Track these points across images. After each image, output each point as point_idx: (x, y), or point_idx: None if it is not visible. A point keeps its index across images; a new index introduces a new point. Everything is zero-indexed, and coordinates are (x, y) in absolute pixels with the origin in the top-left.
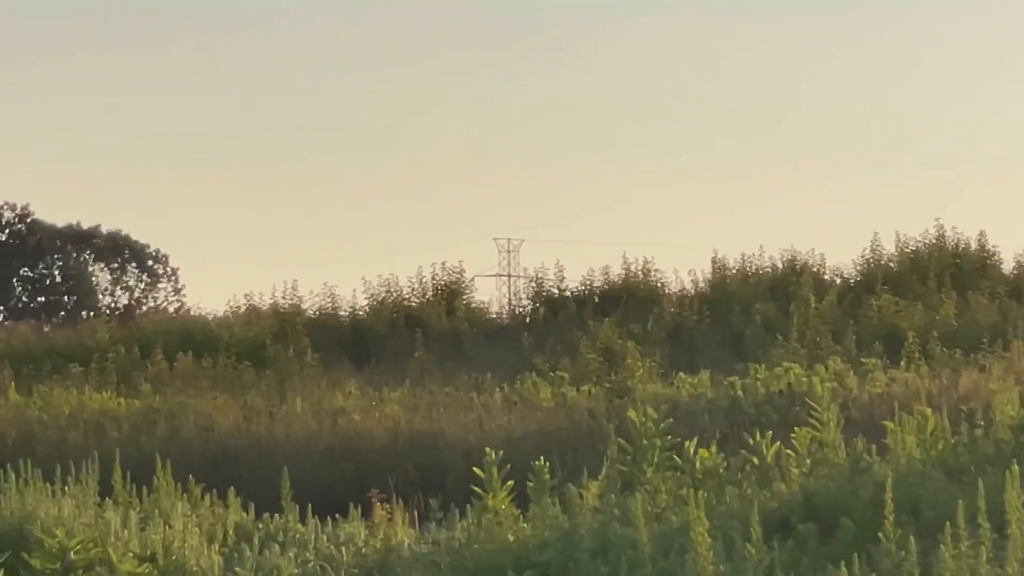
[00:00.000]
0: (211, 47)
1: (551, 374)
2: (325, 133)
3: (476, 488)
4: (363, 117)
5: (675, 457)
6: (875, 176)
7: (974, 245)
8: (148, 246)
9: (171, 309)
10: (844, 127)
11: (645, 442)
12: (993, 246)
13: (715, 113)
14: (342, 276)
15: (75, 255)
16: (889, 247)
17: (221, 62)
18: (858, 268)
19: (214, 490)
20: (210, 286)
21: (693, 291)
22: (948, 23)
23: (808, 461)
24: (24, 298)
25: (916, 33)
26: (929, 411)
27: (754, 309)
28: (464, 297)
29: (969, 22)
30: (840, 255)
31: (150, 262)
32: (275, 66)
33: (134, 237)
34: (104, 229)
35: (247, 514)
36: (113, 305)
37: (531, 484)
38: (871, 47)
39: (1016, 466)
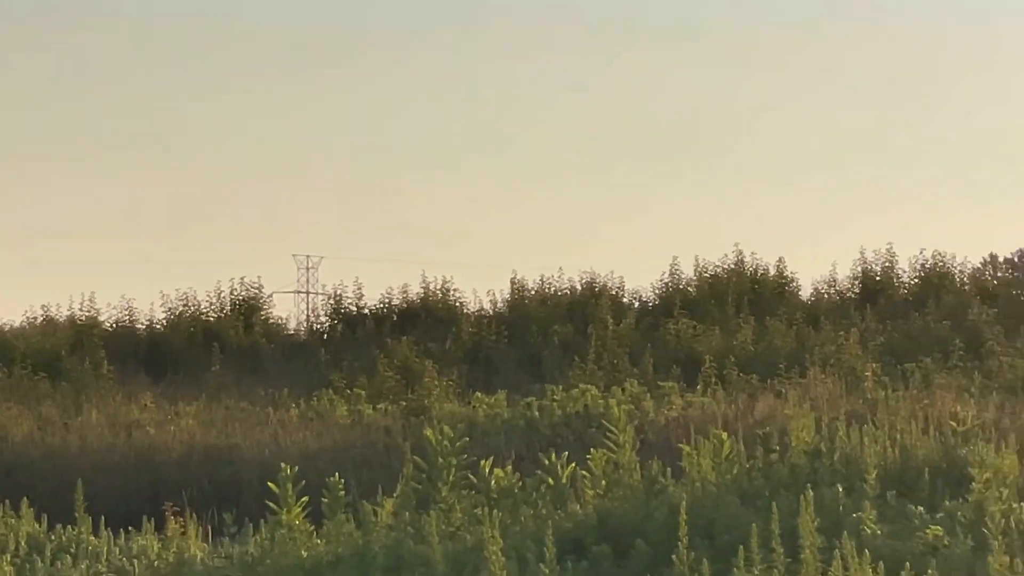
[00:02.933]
0: None
1: (348, 391)
2: (125, 145)
3: (270, 503)
4: (162, 131)
5: (471, 476)
6: (676, 200)
7: (772, 271)
8: None
9: None
10: (644, 149)
11: (441, 461)
12: (791, 272)
13: (513, 130)
14: (140, 290)
15: None
16: (688, 271)
17: None
18: (657, 292)
19: (6, 501)
20: (5, 296)
21: (492, 311)
22: (728, 43)
23: (603, 482)
24: None
25: (717, 51)
26: (725, 435)
27: (552, 330)
28: (262, 313)
29: (756, 54)
30: (639, 278)
31: None
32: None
33: None
34: None
35: (39, 525)
36: None
37: (326, 500)
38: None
39: (810, 491)
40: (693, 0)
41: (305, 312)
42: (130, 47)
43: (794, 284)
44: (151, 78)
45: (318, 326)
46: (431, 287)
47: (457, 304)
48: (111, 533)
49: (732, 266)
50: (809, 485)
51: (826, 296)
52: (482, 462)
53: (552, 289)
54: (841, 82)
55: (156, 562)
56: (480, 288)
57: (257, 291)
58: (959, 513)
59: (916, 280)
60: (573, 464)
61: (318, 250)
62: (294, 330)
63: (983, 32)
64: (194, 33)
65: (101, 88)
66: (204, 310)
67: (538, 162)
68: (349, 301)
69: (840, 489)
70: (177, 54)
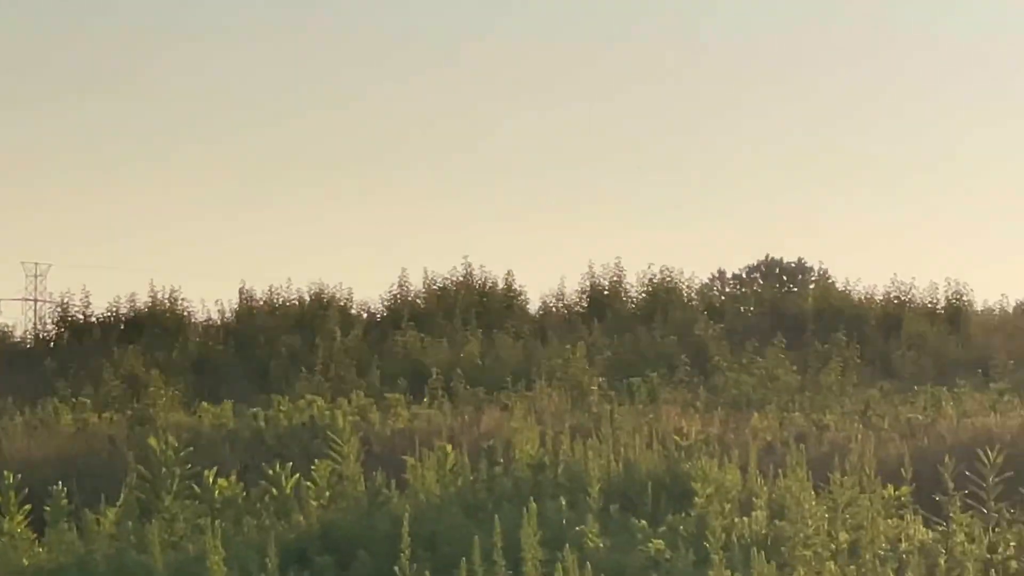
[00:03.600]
0: None
1: (73, 400)
2: None
3: None
4: None
5: (194, 486)
6: (405, 211)
7: (501, 284)
8: None
9: None
10: (372, 157)
11: (165, 470)
12: (520, 286)
13: (244, 138)
14: None
15: None
16: (417, 283)
17: None
18: (385, 303)
19: None
20: None
21: (220, 321)
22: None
23: (327, 493)
24: None
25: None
26: (449, 447)
27: (280, 341)
28: None
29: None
30: (368, 290)
31: None
32: None
33: None
34: None
35: None
36: None
37: (48, 509)
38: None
39: (533, 504)
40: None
41: (32, 319)
42: None
43: (522, 298)
44: None
45: (45, 334)
46: (159, 296)
47: (185, 313)
48: None
49: (461, 279)
50: (532, 498)
51: (554, 310)
52: (206, 472)
53: (280, 300)
54: (570, 93)
55: None
56: (208, 298)
57: None
58: (681, 527)
59: (644, 295)
60: (297, 475)
61: (47, 257)
62: (20, 338)
63: (732, 47)
64: None
65: None
66: None
67: (268, 172)
68: (76, 309)
69: (563, 502)
70: None
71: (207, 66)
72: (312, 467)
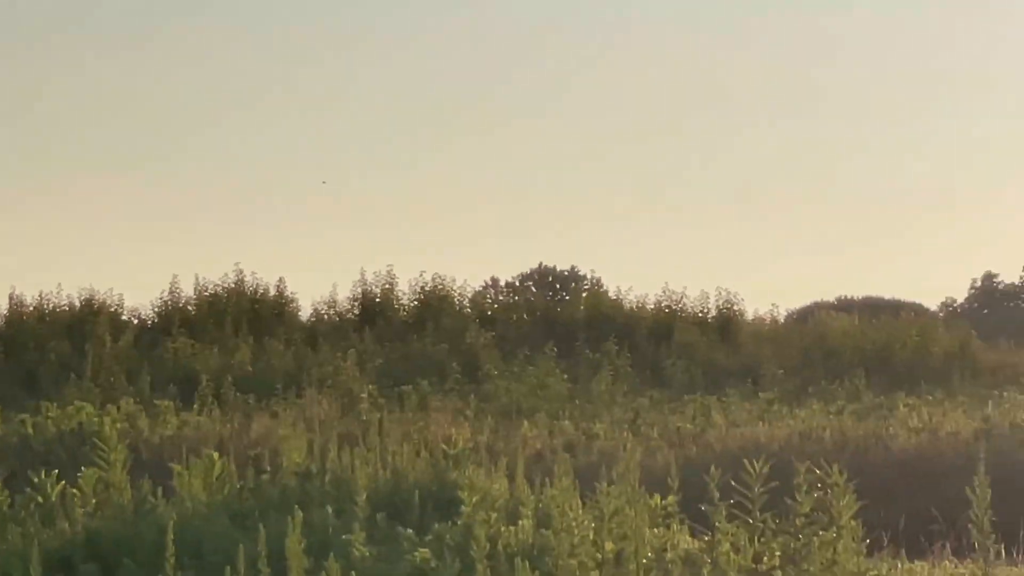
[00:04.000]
0: None
1: None
2: None
3: None
4: None
5: None
6: (178, 217)
7: (273, 291)
8: None
9: None
10: (151, 165)
11: None
12: (292, 293)
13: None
14: None
15: None
16: (188, 290)
17: None
18: (156, 310)
19: None
20: None
21: None
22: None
23: (93, 501)
24: None
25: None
26: (217, 455)
27: (50, 347)
28: None
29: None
30: (139, 296)
31: None
32: None
33: None
34: None
35: None
36: None
37: None
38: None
39: (299, 512)
40: None
41: None
42: None
43: (294, 305)
44: None
45: None
46: None
47: None
48: None
49: (232, 285)
50: (298, 506)
51: (326, 317)
52: None
53: (51, 305)
54: (344, 95)
55: None
56: None
57: None
58: (448, 536)
59: (415, 302)
60: (63, 482)
61: None
62: None
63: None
64: None
65: None
66: None
67: (37, 173)
68: None
69: (330, 511)
70: None
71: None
72: (79, 475)
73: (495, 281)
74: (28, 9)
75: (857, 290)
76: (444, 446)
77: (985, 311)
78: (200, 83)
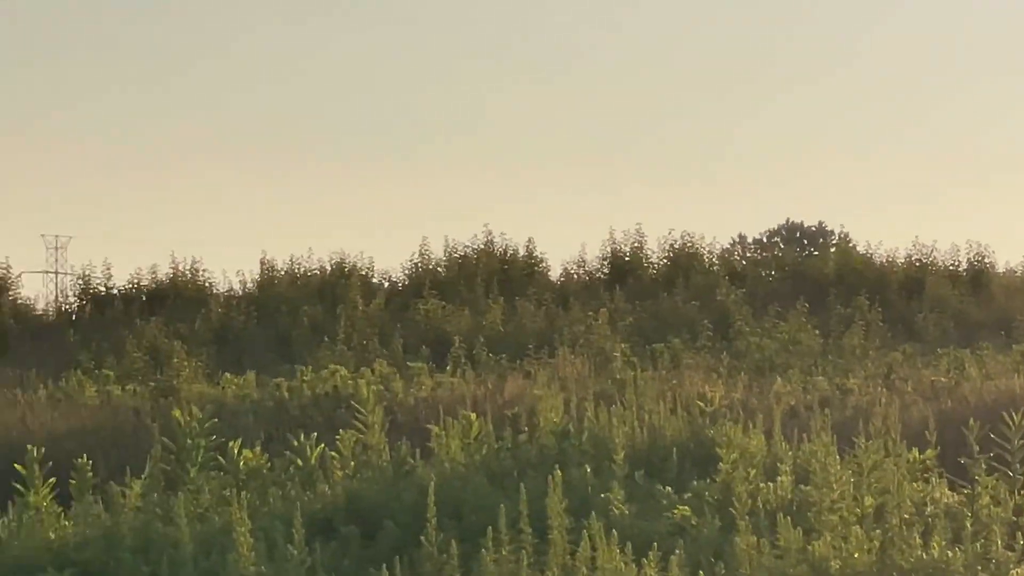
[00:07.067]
0: None
1: (96, 372)
2: None
3: (17, 485)
4: None
5: (219, 457)
6: (425, 180)
7: (522, 251)
8: None
9: None
10: (389, 127)
11: (189, 442)
12: (541, 253)
13: (258, 112)
14: None
15: None
16: (438, 252)
17: None
18: (406, 272)
19: None
20: None
21: (241, 292)
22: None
23: (352, 464)
24: None
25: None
26: (474, 416)
27: (302, 311)
28: (10, 293)
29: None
30: (389, 259)
31: None
32: None
33: None
34: None
35: None
36: None
37: (73, 482)
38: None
39: (559, 471)
40: None
41: (54, 292)
42: None
43: (543, 265)
44: None
45: (67, 307)
46: (180, 267)
47: (206, 284)
48: None
49: (482, 247)
50: (557, 466)
51: (575, 276)
52: (231, 443)
53: (302, 270)
54: (588, 61)
55: None
56: (230, 268)
57: (5, 271)
58: (706, 493)
59: (665, 260)
60: (322, 445)
61: (67, 229)
62: (42, 311)
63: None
64: None
65: None
66: None
67: (288, 142)
68: (98, 281)
69: (588, 469)
70: None
71: (230, 41)
72: (336, 437)
73: (743, 238)
74: None
75: None
76: (699, 403)
77: None
78: (464, 48)
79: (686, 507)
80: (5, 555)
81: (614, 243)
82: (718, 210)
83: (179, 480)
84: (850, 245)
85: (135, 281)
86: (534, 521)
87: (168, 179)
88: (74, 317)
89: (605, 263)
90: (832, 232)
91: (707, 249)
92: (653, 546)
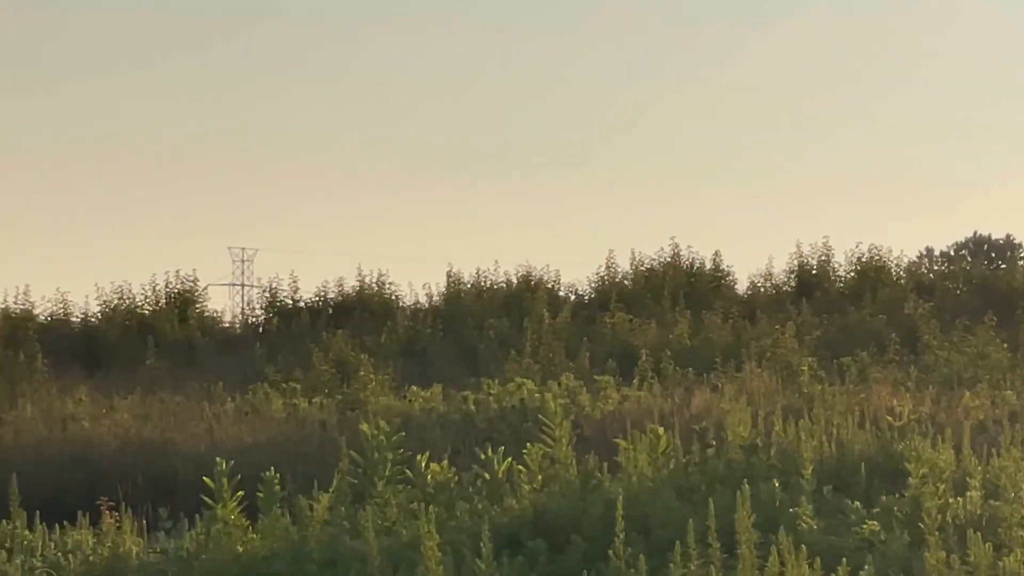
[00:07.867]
0: None
1: (283, 385)
2: (69, 141)
3: (206, 498)
4: (89, 118)
5: (406, 471)
6: (611, 192)
7: (709, 264)
8: None
9: None
10: (574, 140)
11: (376, 455)
12: (728, 266)
13: (439, 123)
14: (75, 282)
15: None
16: (624, 265)
17: None
18: (593, 285)
19: None
20: None
21: (427, 305)
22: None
23: (539, 477)
24: None
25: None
26: (661, 429)
27: (488, 324)
28: (197, 306)
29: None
30: (575, 272)
31: None
32: None
33: None
34: None
35: None
36: None
37: (261, 495)
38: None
39: (747, 486)
40: None
41: (240, 305)
42: None
43: (730, 278)
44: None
45: (253, 319)
46: (366, 280)
47: (393, 297)
48: (46, 528)
49: (668, 260)
50: (745, 480)
51: (762, 290)
52: (418, 456)
53: (488, 283)
54: (743, 68)
55: (91, 557)
56: (416, 281)
57: (192, 284)
58: (895, 508)
59: (852, 274)
60: (509, 459)
61: (253, 243)
62: (229, 323)
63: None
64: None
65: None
66: (139, 303)
67: (472, 154)
68: (284, 294)
69: (776, 484)
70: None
71: (410, 60)
72: (523, 451)
73: (930, 251)
74: None
75: None
76: (888, 417)
77: None
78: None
79: (874, 522)
80: (194, 567)
81: (801, 256)
82: (905, 223)
83: (366, 494)
84: None
85: (321, 294)
86: (722, 536)
87: (354, 193)
88: (261, 330)
89: (792, 276)
90: (1020, 245)
91: (894, 262)
92: (842, 561)
